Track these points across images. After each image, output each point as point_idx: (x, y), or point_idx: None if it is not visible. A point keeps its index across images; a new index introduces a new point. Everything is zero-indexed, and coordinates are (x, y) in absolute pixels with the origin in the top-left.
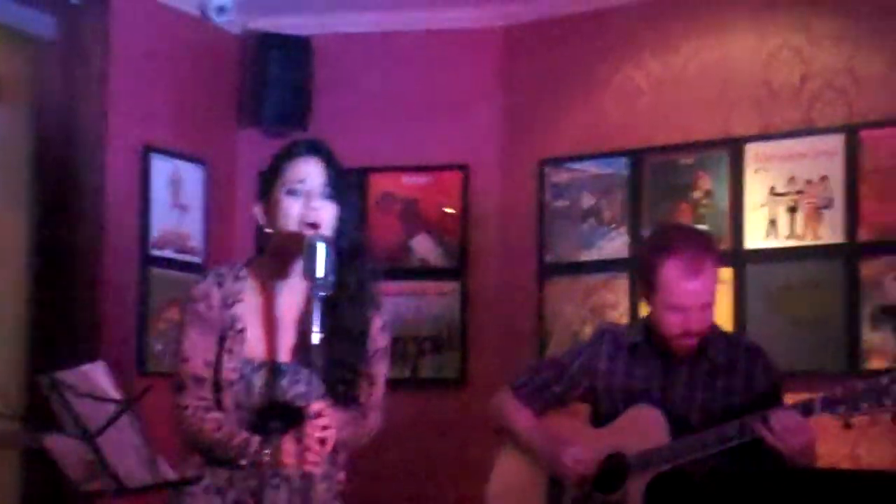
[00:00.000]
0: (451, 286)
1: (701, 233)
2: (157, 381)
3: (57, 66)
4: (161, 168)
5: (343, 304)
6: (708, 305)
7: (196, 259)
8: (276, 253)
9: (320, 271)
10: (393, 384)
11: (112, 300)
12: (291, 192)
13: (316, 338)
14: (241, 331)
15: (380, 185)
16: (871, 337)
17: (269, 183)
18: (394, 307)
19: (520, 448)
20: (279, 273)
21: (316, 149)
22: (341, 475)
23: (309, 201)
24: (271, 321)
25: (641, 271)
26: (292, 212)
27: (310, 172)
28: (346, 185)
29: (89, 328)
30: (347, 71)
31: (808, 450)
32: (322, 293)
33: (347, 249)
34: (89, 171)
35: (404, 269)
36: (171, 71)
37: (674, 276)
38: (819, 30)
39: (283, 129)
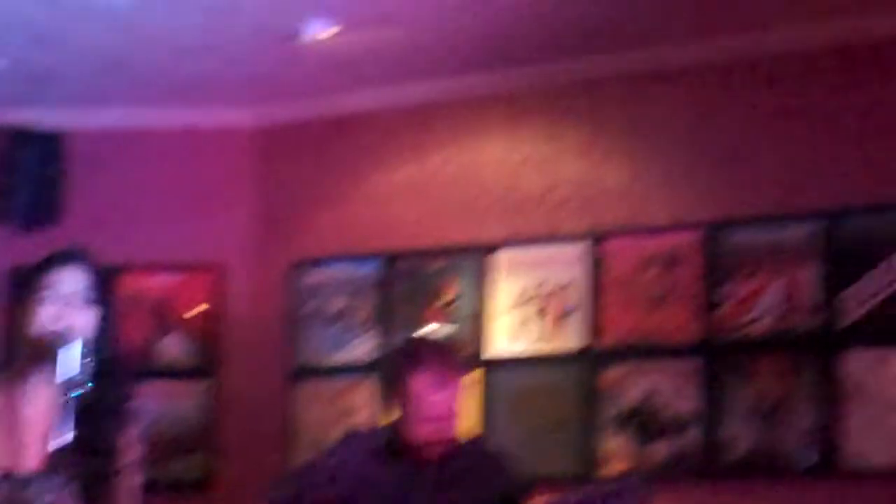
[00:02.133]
0: (200, 387)
1: (447, 346)
2: None
3: None
4: None
5: (100, 416)
6: (454, 415)
7: None
8: (24, 357)
9: (69, 372)
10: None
11: None
12: (47, 297)
13: (63, 442)
14: None
15: (131, 283)
16: (611, 442)
17: (25, 288)
18: (143, 408)
19: None
20: (26, 379)
21: (75, 257)
22: None
23: (63, 308)
24: (17, 429)
25: (390, 381)
26: (46, 315)
27: (68, 280)
28: (105, 295)
29: None
30: (100, 167)
31: None
32: (71, 395)
33: (105, 360)
34: None
35: (152, 370)
36: None
37: (422, 387)
38: (566, 141)
39: (35, 225)
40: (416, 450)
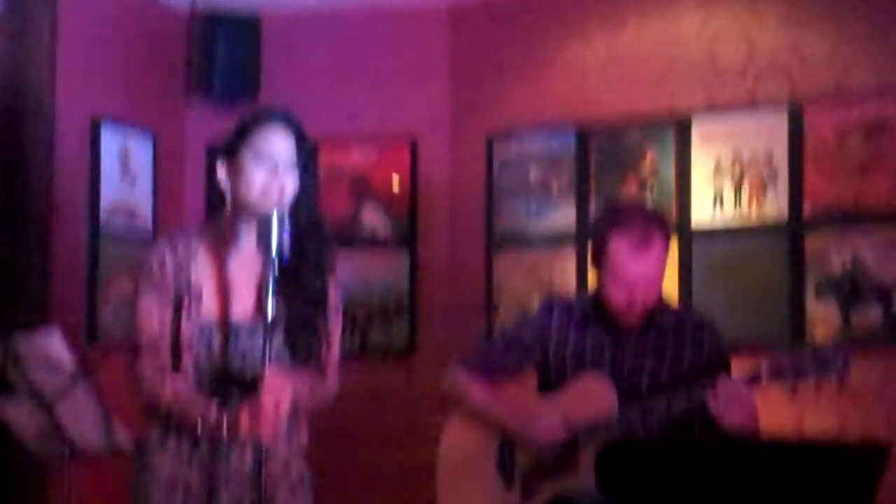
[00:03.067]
0: (399, 257)
1: (651, 209)
2: (107, 350)
3: (5, 39)
4: (110, 140)
5: (303, 271)
6: (655, 280)
7: (145, 229)
8: (231, 217)
9: (275, 246)
10: (342, 353)
11: (62, 270)
12: (257, 159)
13: (270, 312)
14: (198, 293)
15: (329, 157)
16: (816, 308)
17: (236, 144)
18: (342, 277)
19: (482, 418)
20: (233, 237)
21: (287, 120)
22: (304, 436)
23: (275, 171)
24: (227, 284)
25: (593, 244)
26: (256, 179)
27: (279, 142)
28: (311, 160)
29: (40, 297)
30: (296, 48)
31: (750, 420)
32: (277, 253)
33: (306, 221)
34: (38, 143)
35: (353, 240)
36: (120, 45)
37: (622, 249)
38: (764, 8)
39: (233, 100)
40: (617, 315)
